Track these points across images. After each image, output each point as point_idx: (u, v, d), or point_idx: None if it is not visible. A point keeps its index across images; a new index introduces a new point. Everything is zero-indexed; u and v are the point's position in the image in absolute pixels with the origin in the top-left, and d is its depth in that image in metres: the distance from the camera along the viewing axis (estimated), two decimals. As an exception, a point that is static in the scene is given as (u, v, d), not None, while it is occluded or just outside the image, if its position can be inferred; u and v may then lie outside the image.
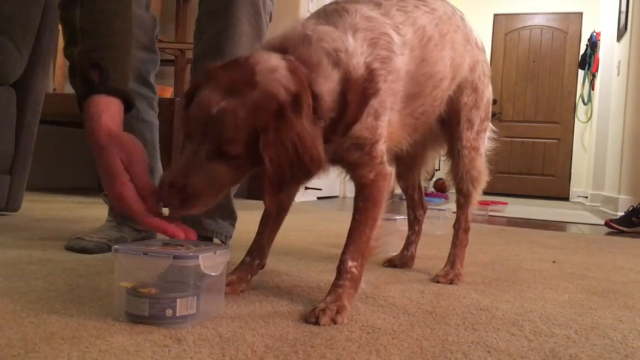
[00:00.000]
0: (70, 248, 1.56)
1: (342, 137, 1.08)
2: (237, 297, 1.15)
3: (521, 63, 8.28)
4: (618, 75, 5.79)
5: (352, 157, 1.12)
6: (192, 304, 0.94)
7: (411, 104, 1.23)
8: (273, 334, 0.92)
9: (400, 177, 1.65)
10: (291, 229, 2.32)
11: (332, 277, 1.11)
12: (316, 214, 3.42)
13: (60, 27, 2.28)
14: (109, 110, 1.06)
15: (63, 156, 3.94)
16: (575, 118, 8.03)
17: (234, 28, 1.43)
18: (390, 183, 1.16)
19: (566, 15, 8.13)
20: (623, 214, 3.57)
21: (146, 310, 0.91)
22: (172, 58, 4.23)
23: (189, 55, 3.99)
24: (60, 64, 3.74)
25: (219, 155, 0.95)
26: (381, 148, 1.13)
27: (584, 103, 7.87)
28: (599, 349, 0.95)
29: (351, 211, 1.14)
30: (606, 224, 3.43)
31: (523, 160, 8.19)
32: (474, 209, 1.55)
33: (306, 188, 4.30)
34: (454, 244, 1.53)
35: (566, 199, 7.89)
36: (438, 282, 1.43)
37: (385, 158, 1.15)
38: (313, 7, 4.21)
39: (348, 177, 1.20)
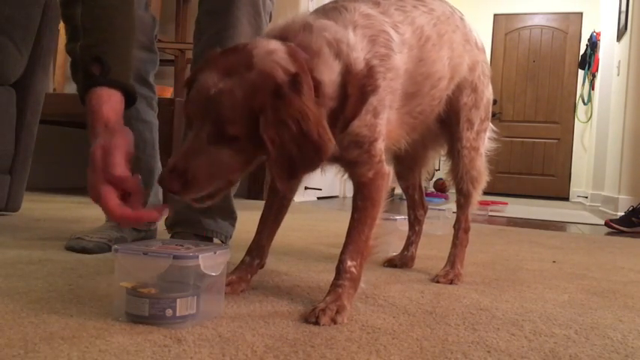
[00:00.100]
0: (70, 248, 1.56)
1: (341, 133, 1.08)
2: (237, 297, 1.15)
3: (521, 63, 8.28)
4: (618, 75, 5.78)
5: (351, 155, 1.12)
6: (192, 304, 0.94)
7: (409, 103, 1.23)
8: (273, 334, 0.92)
9: (401, 177, 1.65)
10: (291, 229, 2.32)
11: (332, 277, 1.11)
12: (316, 214, 3.42)
13: (60, 27, 2.28)
14: (110, 101, 1.06)
15: (63, 156, 3.94)
16: (575, 118, 8.03)
17: (234, 28, 1.43)
18: (389, 182, 1.16)
19: (566, 15, 8.13)
20: (623, 214, 3.57)
21: (146, 310, 0.91)
22: (172, 58, 4.23)
23: (189, 55, 3.99)
24: (60, 64, 3.74)
25: (220, 138, 0.94)
26: (380, 146, 1.14)
27: (584, 103, 7.87)
28: (599, 349, 0.95)
29: (350, 211, 1.14)
30: (606, 224, 3.43)
31: (523, 160, 8.19)
32: (474, 209, 1.55)
33: (306, 188, 4.30)
34: (454, 244, 1.53)
35: (566, 199, 7.89)
36: (438, 282, 1.43)
37: (384, 157, 1.15)
38: (313, 7, 4.21)
39: (346, 176, 1.20)
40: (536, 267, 1.79)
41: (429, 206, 1.81)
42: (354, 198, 1.14)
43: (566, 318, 1.15)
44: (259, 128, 0.92)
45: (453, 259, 1.50)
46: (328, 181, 4.52)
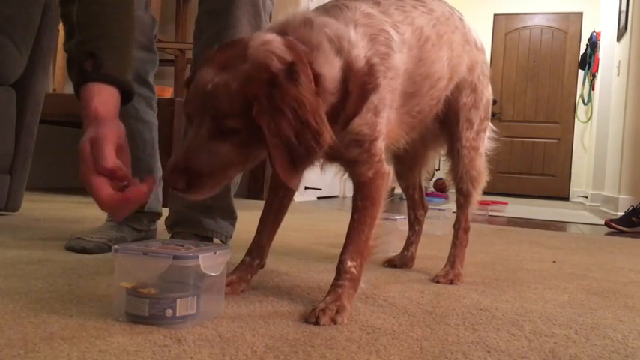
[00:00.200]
0: (70, 248, 1.56)
1: (342, 131, 1.08)
2: (237, 297, 1.15)
3: (521, 63, 8.28)
4: (618, 75, 5.78)
5: (351, 154, 1.12)
6: (192, 304, 0.94)
7: (408, 103, 1.24)
8: (273, 334, 0.92)
9: (401, 177, 1.65)
10: (291, 229, 2.32)
11: (332, 277, 1.11)
12: (316, 214, 3.42)
13: (60, 27, 2.28)
14: (100, 95, 1.04)
15: (63, 156, 3.93)
16: (575, 118, 8.03)
17: (233, 28, 1.43)
18: (389, 182, 1.16)
19: (566, 15, 8.13)
20: (623, 214, 3.57)
21: (146, 310, 0.91)
22: (172, 58, 4.23)
23: (189, 55, 3.99)
24: (60, 64, 3.74)
25: (220, 133, 0.94)
26: (380, 145, 1.14)
27: (584, 103, 7.87)
28: (599, 349, 0.95)
29: (350, 211, 1.14)
30: (606, 224, 3.43)
31: (523, 160, 8.19)
32: (473, 209, 1.55)
33: (306, 188, 4.30)
34: (454, 244, 1.53)
35: (566, 199, 7.89)
36: (438, 282, 1.43)
37: (384, 157, 1.15)
38: (313, 7, 4.21)
39: (346, 176, 1.20)
40: (536, 267, 1.79)
41: (429, 206, 1.81)
42: (354, 198, 1.14)
43: (566, 318, 1.15)
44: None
45: (453, 259, 1.50)
46: (328, 181, 4.52)
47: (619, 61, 5.80)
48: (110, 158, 0.98)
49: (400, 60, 1.16)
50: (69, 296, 1.08)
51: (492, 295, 1.32)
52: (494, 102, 8.15)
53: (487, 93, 1.50)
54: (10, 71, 2.14)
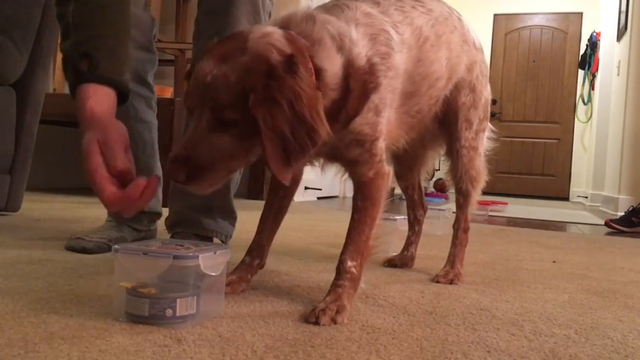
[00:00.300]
0: (70, 248, 1.56)
1: (342, 130, 1.08)
2: (237, 297, 1.15)
3: (521, 63, 8.28)
4: (618, 75, 5.78)
5: (352, 154, 1.12)
6: (192, 304, 0.94)
7: (407, 103, 1.24)
8: (273, 334, 0.92)
9: (400, 177, 1.65)
10: (291, 229, 2.32)
11: (332, 277, 1.11)
12: (316, 214, 3.42)
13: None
14: (95, 95, 1.05)
15: (63, 156, 3.94)
16: (575, 118, 8.03)
17: (233, 27, 1.43)
18: (389, 182, 1.16)
19: (566, 15, 8.13)
20: (623, 214, 3.57)
21: (146, 310, 0.91)
22: (172, 58, 4.23)
23: (189, 55, 3.98)
24: (60, 64, 3.73)
25: (219, 124, 0.94)
26: (381, 145, 1.14)
27: (584, 103, 7.87)
28: (599, 349, 0.95)
29: (350, 211, 1.14)
30: (606, 224, 3.43)
31: (523, 160, 8.19)
32: (473, 209, 1.55)
33: (306, 188, 4.30)
34: (454, 244, 1.53)
35: (566, 199, 7.89)
36: (438, 282, 1.43)
37: (384, 157, 1.15)
38: (313, 6, 4.21)
39: (346, 176, 1.20)
40: (536, 267, 1.79)
41: (429, 206, 1.81)
42: (354, 198, 1.14)
43: (566, 318, 1.15)
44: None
45: (453, 259, 1.50)
46: (328, 181, 4.52)
47: (619, 61, 5.80)
48: (122, 160, 0.99)
49: (400, 60, 1.16)
50: (69, 296, 1.08)
51: (492, 295, 1.32)
52: (494, 102, 8.09)
53: (486, 93, 1.50)
54: (10, 71, 2.14)
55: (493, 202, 4.51)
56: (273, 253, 1.36)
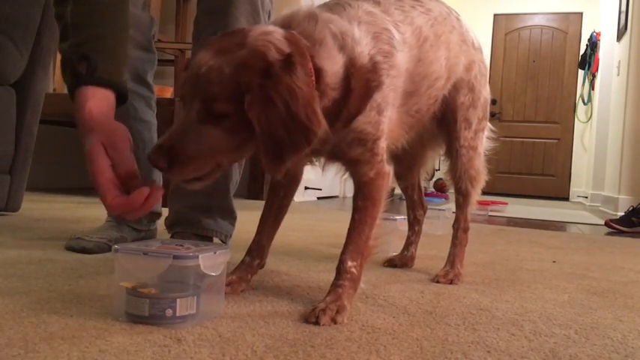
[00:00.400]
0: (70, 248, 1.56)
1: (344, 128, 1.08)
2: (237, 297, 1.15)
3: (521, 63, 8.28)
4: (618, 75, 5.79)
5: (354, 153, 1.12)
6: (192, 304, 0.94)
7: (407, 102, 1.24)
8: (273, 334, 0.92)
9: (400, 177, 1.65)
10: (291, 229, 2.32)
11: (332, 277, 1.11)
12: (316, 214, 3.42)
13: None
14: (94, 98, 1.05)
15: (63, 156, 3.94)
16: (575, 118, 8.03)
17: (232, 27, 1.43)
18: (389, 182, 1.16)
19: (566, 15, 8.13)
20: (623, 214, 3.57)
21: (146, 310, 0.91)
22: (172, 58, 4.22)
23: (189, 55, 3.98)
24: (60, 63, 3.74)
25: (209, 116, 0.93)
26: (383, 145, 1.14)
27: (584, 103, 7.87)
28: (599, 349, 0.95)
29: (350, 211, 1.14)
30: (606, 224, 3.43)
31: (523, 160, 8.19)
32: (472, 209, 1.55)
33: (306, 188, 4.30)
34: (453, 244, 1.53)
35: (566, 199, 7.89)
36: (438, 282, 1.43)
37: (385, 156, 1.15)
38: (315, 5, 4.20)
39: (347, 175, 1.20)
40: (536, 267, 1.79)
41: (429, 206, 1.81)
42: (355, 198, 1.14)
43: (566, 318, 1.15)
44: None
45: (453, 259, 1.50)
46: (328, 181, 4.52)
47: (619, 61, 5.80)
48: (130, 162, 1.00)
49: (402, 59, 1.16)
50: (69, 296, 1.08)
51: (492, 295, 1.32)
52: (494, 102, 8.09)
53: (485, 92, 1.50)
54: (10, 71, 2.14)
55: (493, 202, 4.51)
56: (273, 253, 1.36)
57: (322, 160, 1.20)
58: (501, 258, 1.95)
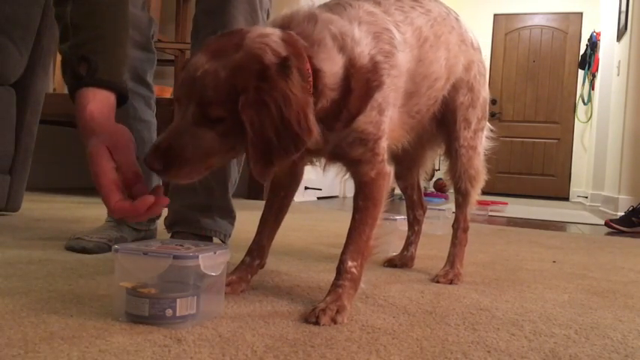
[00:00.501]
0: (70, 248, 1.56)
1: (344, 128, 1.08)
2: (237, 297, 1.15)
3: (521, 63, 8.28)
4: (618, 75, 5.79)
5: (355, 153, 1.12)
6: (192, 304, 0.94)
7: (407, 102, 1.24)
8: (273, 334, 0.92)
9: (399, 177, 1.65)
10: (291, 229, 2.32)
11: (332, 277, 1.11)
12: (316, 214, 3.42)
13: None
14: (95, 99, 1.05)
15: (63, 156, 3.94)
16: (575, 118, 8.03)
17: (230, 26, 1.43)
18: (390, 182, 1.16)
19: (566, 15, 8.13)
20: (623, 214, 3.57)
21: (146, 310, 0.91)
22: (172, 58, 4.23)
23: (189, 54, 3.98)
24: (60, 64, 3.74)
25: (204, 119, 0.93)
26: (384, 145, 1.14)
27: (584, 103, 7.87)
28: (599, 349, 0.95)
29: (350, 211, 1.14)
30: (606, 224, 3.43)
31: (523, 160, 8.19)
32: (472, 208, 1.55)
33: (306, 188, 4.30)
34: (453, 244, 1.53)
35: (566, 199, 7.89)
36: (437, 282, 1.43)
37: (386, 156, 1.15)
38: (315, 5, 4.20)
39: (347, 176, 1.20)
40: (536, 267, 1.79)
41: (429, 206, 1.81)
42: (355, 198, 1.14)
43: (566, 318, 1.15)
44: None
45: (453, 259, 1.50)
46: (328, 181, 4.52)
47: (619, 61, 5.80)
48: (135, 164, 1.00)
49: (403, 59, 1.16)
50: (69, 296, 1.08)
51: (492, 295, 1.32)
52: (494, 102, 8.09)
53: (484, 92, 1.50)
54: (10, 71, 2.14)
55: (493, 202, 4.51)
56: (273, 253, 1.36)
57: (323, 160, 1.20)
58: (501, 258, 1.95)
